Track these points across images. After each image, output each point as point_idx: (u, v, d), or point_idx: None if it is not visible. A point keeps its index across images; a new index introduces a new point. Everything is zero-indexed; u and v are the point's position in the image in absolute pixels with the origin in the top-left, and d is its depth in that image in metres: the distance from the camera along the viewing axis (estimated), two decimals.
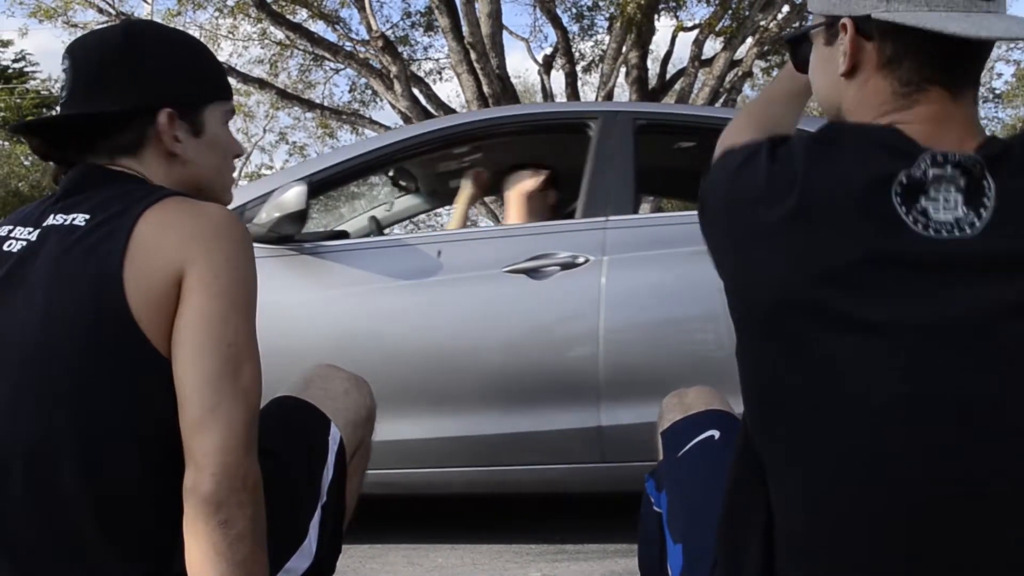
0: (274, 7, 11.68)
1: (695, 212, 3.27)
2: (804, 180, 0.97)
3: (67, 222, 1.22)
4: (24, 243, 1.23)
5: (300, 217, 2.69)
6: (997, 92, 20.41)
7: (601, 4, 13.54)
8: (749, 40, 11.57)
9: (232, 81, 1.40)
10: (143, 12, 14.09)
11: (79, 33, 12.16)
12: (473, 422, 2.74)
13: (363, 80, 13.56)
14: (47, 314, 1.17)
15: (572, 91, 12.35)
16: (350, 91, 15.16)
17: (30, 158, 17.94)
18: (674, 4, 12.75)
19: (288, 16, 12.05)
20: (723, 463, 1.16)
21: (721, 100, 11.59)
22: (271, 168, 20.90)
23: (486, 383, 2.76)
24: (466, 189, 3.58)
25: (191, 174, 1.34)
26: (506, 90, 10.50)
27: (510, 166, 3.47)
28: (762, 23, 11.38)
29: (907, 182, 0.94)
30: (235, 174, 1.50)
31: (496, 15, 10.64)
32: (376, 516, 2.45)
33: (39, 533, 1.17)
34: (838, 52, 1.06)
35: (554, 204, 3.45)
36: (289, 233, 2.75)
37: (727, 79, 11.71)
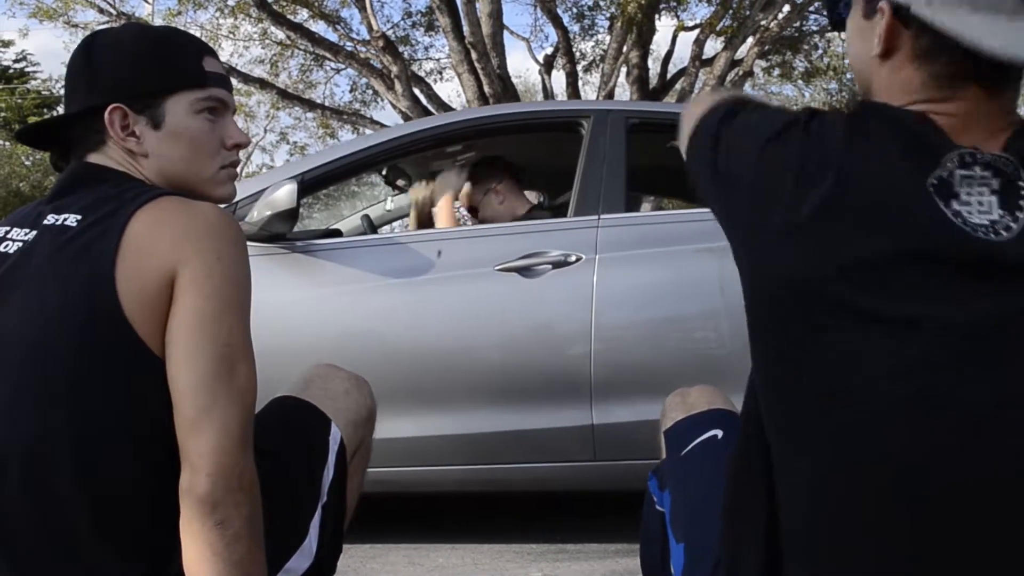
0: (275, 7, 11.69)
1: (688, 211, 3.25)
2: (840, 165, 0.94)
3: (59, 222, 1.22)
4: (21, 244, 1.23)
5: (291, 215, 2.68)
6: None
7: (602, 4, 13.53)
8: (750, 40, 11.57)
9: (233, 81, 1.38)
10: (144, 12, 14.14)
11: (80, 33, 12.20)
12: (465, 420, 2.74)
13: (364, 80, 13.57)
14: (41, 315, 1.17)
15: (573, 91, 12.35)
16: (351, 91, 15.19)
17: (31, 158, 17.97)
18: (675, 4, 12.74)
19: (289, 16, 12.07)
20: (726, 463, 1.16)
21: None
22: (272, 168, 20.93)
23: (477, 382, 2.76)
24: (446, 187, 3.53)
25: (159, 167, 1.32)
26: (507, 90, 10.51)
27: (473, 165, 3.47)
28: (763, 23, 11.38)
29: (938, 183, 0.92)
30: (238, 168, 1.47)
31: (497, 15, 10.65)
32: (377, 516, 2.46)
33: (37, 533, 1.17)
34: (874, 30, 1.01)
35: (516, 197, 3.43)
36: (280, 231, 2.75)
37: (728, 79, 11.70)
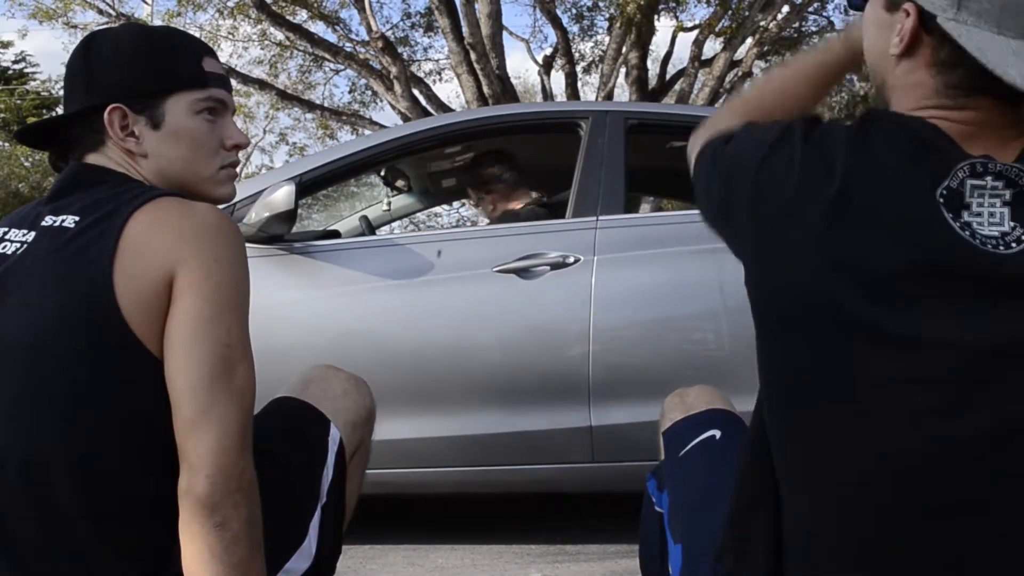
0: (274, 8, 11.69)
1: (687, 212, 3.25)
2: (844, 173, 0.92)
3: (57, 223, 1.22)
4: (19, 245, 1.23)
5: (289, 217, 2.69)
6: None
7: (601, 4, 13.56)
8: (749, 40, 11.58)
9: (232, 82, 1.37)
10: (143, 13, 14.13)
11: (79, 34, 12.20)
12: (463, 421, 2.74)
13: (363, 81, 13.57)
14: (40, 316, 1.17)
15: (572, 92, 12.35)
16: (350, 92, 15.20)
17: (30, 159, 17.97)
18: (674, 4, 12.76)
19: (288, 17, 12.07)
20: (724, 463, 1.15)
21: (721, 100, 11.58)
22: (271, 169, 20.93)
23: (475, 383, 2.75)
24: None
25: (159, 167, 1.32)
26: (506, 91, 10.50)
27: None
28: (762, 23, 11.39)
29: (948, 194, 0.90)
30: (238, 168, 1.47)
31: (496, 16, 10.64)
32: (376, 517, 2.45)
33: (37, 534, 1.17)
34: (894, 27, 1.00)
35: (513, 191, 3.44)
36: (279, 233, 2.75)
37: (727, 79, 11.71)
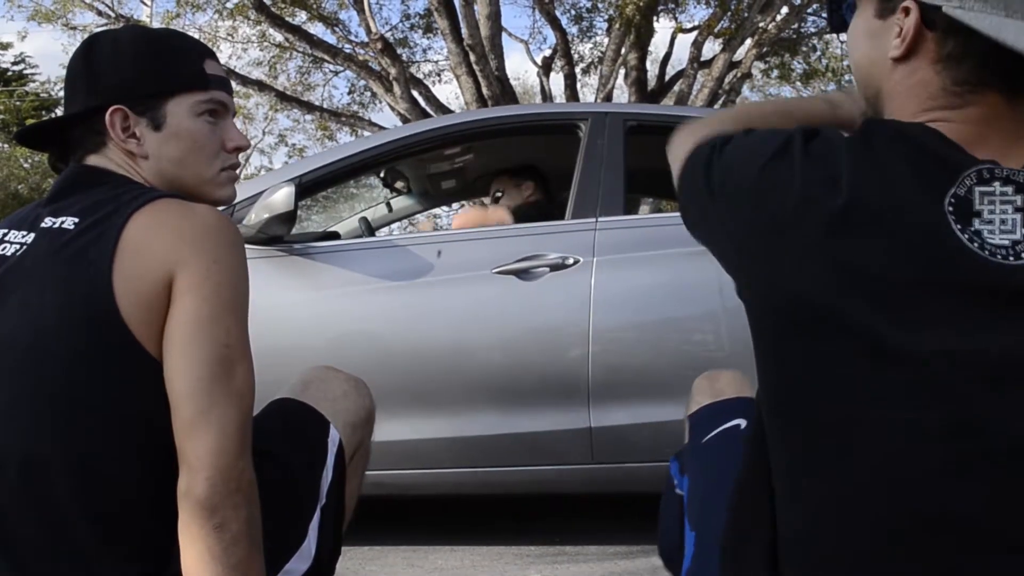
0: (273, 9, 11.69)
1: None
2: (848, 185, 0.90)
3: (56, 225, 1.22)
4: (19, 246, 1.23)
5: (289, 218, 2.69)
6: None
7: (600, 6, 13.55)
8: (748, 41, 11.58)
9: (231, 83, 1.37)
10: (142, 14, 14.13)
11: (78, 35, 12.20)
12: (463, 423, 2.74)
13: (362, 82, 13.57)
14: (39, 317, 1.17)
15: (571, 93, 12.35)
16: (349, 93, 15.20)
17: (29, 160, 17.96)
18: (673, 5, 12.76)
19: (287, 18, 12.06)
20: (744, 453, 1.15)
21: (720, 101, 11.59)
22: (270, 170, 20.92)
23: (475, 384, 2.76)
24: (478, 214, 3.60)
25: (159, 169, 1.33)
26: (505, 92, 10.50)
27: (495, 172, 3.49)
28: (761, 24, 11.39)
29: (956, 202, 0.87)
30: (238, 170, 1.47)
31: (495, 17, 10.65)
32: (376, 518, 2.46)
33: (36, 534, 1.17)
34: (891, 31, 0.97)
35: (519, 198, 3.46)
36: (278, 234, 2.75)
37: (726, 80, 11.72)
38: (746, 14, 10.99)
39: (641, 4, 10.29)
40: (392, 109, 11.51)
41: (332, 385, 1.54)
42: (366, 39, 11.35)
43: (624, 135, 3.01)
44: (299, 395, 1.50)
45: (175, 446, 1.15)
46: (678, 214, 3.30)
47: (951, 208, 0.87)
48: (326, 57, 12.48)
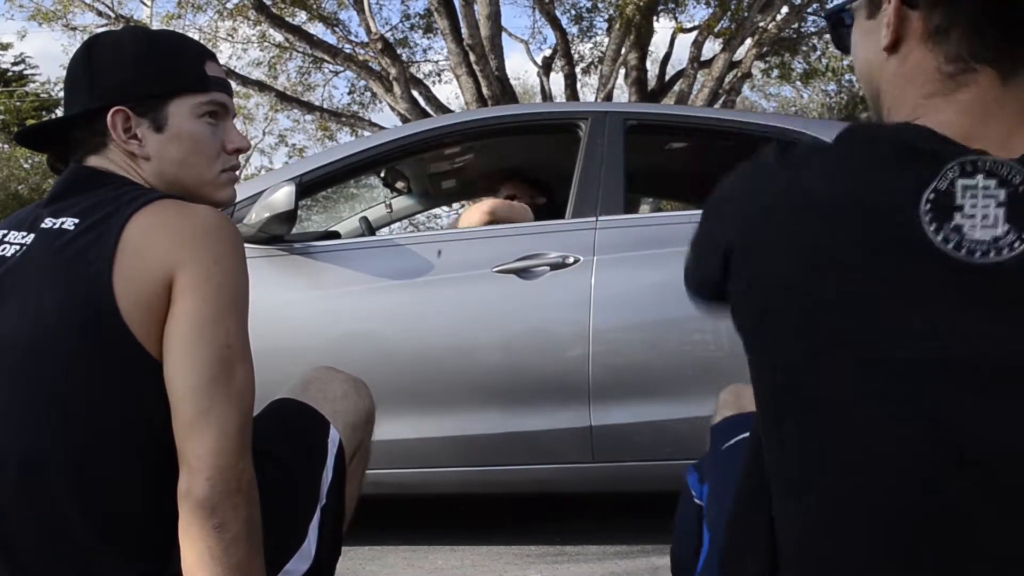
0: (273, 9, 11.69)
1: (686, 213, 3.26)
2: (823, 193, 0.89)
3: (56, 226, 1.22)
4: (18, 247, 1.23)
5: (289, 217, 2.69)
6: None
7: (600, 6, 13.55)
8: (748, 41, 11.57)
9: (231, 83, 1.37)
10: (142, 15, 14.13)
11: (78, 36, 12.20)
12: (463, 422, 2.74)
13: (362, 82, 13.57)
14: (39, 317, 1.17)
15: (571, 93, 12.35)
16: (349, 93, 15.22)
17: (29, 161, 17.97)
18: (673, 5, 12.76)
19: (287, 18, 12.06)
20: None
21: (720, 101, 11.59)
22: (271, 170, 20.91)
23: (475, 383, 2.76)
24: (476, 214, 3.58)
25: (160, 170, 1.33)
26: (505, 92, 10.51)
27: (499, 173, 3.48)
28: (761, 24, 11.38)
29: (936, 197, 0.85)
30: (238, 172, 1.47)
31: (495, 17, 10.65)
32: (376, 518, 2.46)
33: (36, 534, 1.17)
34: (881, 24, 0.96)
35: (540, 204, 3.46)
36: (279, 233, 2.75)
37: (726, 80, 11.71)
38: (746, 14, 10.99)
39: (641, 4, 10.30)
40: (392, 109, 11.51)
41: (332, 385, 1.54)
42: (366, 39, 11.35)
43: (624, 135, 3.00)
44: (299, 395, 1.50)
45: (175, 446, 1.15)
46: (678, 213, 3.31)
47: (928, 205, 0.85)
48: (326, 57, 12.48)
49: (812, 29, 13.27)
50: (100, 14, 12.32)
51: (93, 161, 1.32)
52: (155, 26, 10.89)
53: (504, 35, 11.83)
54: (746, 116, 3.27)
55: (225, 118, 1.39)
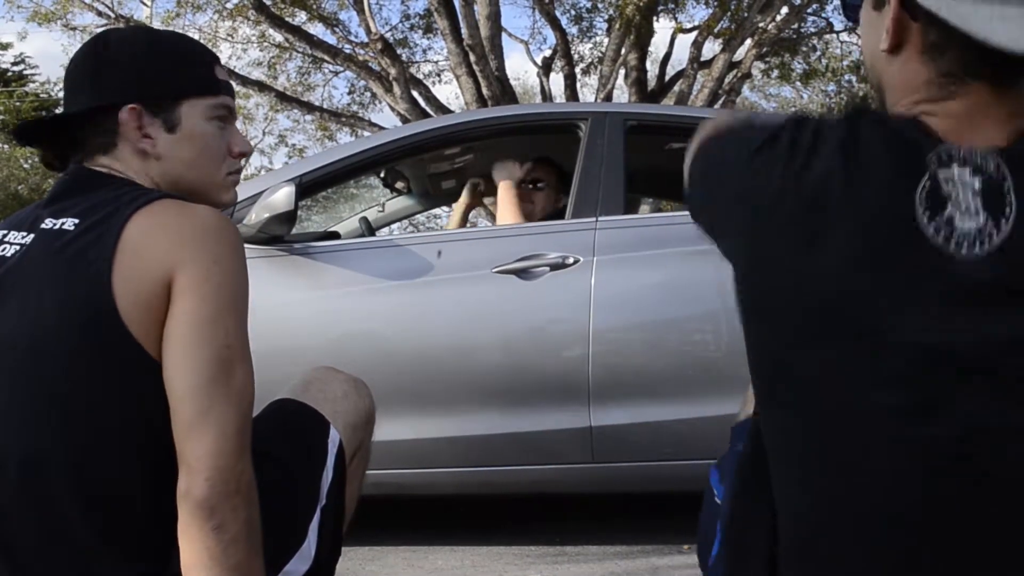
0: (273, 10, 11.68)
1: (685, 213, 3.25)
2: (825, 181, 0.90)
3: (57, 226, 1.22)
4: (18, 247, 1.24)
5: (289, 218, 2.69)
6: None
7: (600, 6, 13.55)
8: (748, 42, 11.58)
9: (214, 71, 1.38)
10: (142, 15, 14.12)
11: (78, 36, 12.21)
12: (463, 422, 2.74)
13: (362, 82, 13.56)
14: (39, 317, 1.17)
15: (571, 93, 12.35)
16: (349, 93, 15.20)
17: (29, 161, 17.97)
18: (673, 6, 12.76)
19: (287, 18, 12.06)
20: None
21: (720, 101, 11.59)
22: (270, 171, 20.88)
23: (475, 384, 2.76)
24: (463, 199, 3.60)
25: (169, 170, 1.33)
26: (505, 92, 10.50)
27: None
28: (761, 25, 11.38)
29: (930, 187, 0.87)
30: (240, 174, 1.49)
31: (495, 17, 10.64)
32: (376, 518, 2.46)
33: (36, 534, 1.17)
34: (883, 22, 0.97)
35: (555, 200, 3.43)
36: (278, 234, 2.75)
37: (726, 80, 11.72)
38: (746, 14, 10.99)
39: (641, 4, 10.29)
40: (392, 109, 11.51)
41: (332, 386, 1.54)
42: (366, 39, 11.34)
43: (624, 135, 3.00)
44: (299, 396, 1.50)
45: (175, 446, 1.15)
46: (678, 214, 3.30)
47: (924, 195, 0.87)
48: (326, 57, 12.48)
49: (812, 30, 13.28)
50: (100, 14, 12.32)
51: (101, 160, 1.31)
52: (155, 26, 10.88)
53: (504, 35, 11.84)
54: None
55: (231, 121, 1.40)
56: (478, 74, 10.03)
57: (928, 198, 0.86)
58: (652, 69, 12.87)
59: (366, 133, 12.26)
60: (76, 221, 1.21)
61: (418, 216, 4.72)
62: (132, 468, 1.18)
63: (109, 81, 1.31)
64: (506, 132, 3.26)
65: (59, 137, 1.36)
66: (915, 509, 0.87)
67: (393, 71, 10.54)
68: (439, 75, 14.95)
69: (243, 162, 1.52)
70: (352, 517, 1.59)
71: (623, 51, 11.39)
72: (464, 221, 3.67)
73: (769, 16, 11.33)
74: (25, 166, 18.28)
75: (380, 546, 2.85)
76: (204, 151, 1.36)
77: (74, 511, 1.16)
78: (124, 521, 1.18)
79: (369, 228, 3.51)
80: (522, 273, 2.77)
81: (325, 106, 14.43)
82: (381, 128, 12.10)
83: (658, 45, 13.74)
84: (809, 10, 12.25)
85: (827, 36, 13.79)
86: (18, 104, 19.32)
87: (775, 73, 14.69)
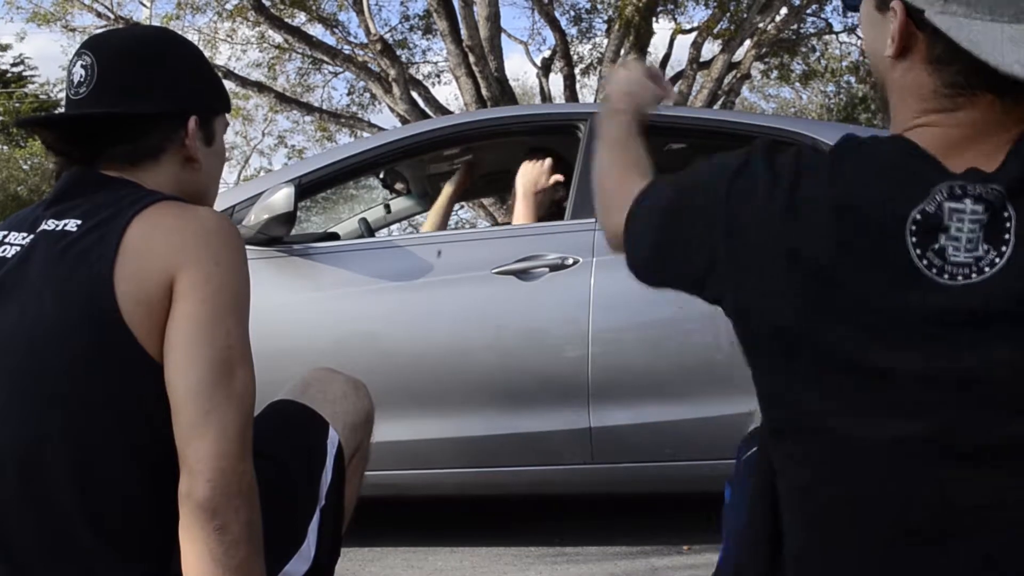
0: (272, 11, 11.68)
1: None
2: (811, 209, 0.89)
3: (59, 227, 1.22)
4: (19, 248, 1.24)
5: (289, 219, 2.69)
6: None
7: (599, 7, 13.56)
8: (747, 42, 11.59)
9: (231, 85, 1.43)
10: (142, 16, 14.12)
11: (78, 37, 12.19)
12: (462, 423, 2.74)
13: (362, 83, 13.57)
14: (41, 318, 1.18)
15: (571, 94, 12.35)
16: (348, 94, 15.19)
17: (29, 162, 17.97)
18: (672, 6, 12.76)
19: (286, 19, 12.06)
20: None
21: (719, 102, 11.60)
22: (270, 171, 20.86)
23: (475, 384, 2.76)
24: (450, 184, 3.57)
25: (199, 181, 1.36)
26: (505, 93, 10.50)
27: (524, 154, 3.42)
28: (760, 25, 11.39)
29: (922, 218, 0.86)
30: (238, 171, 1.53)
31: (494, 18, 10.64)
32: (375, 519, 2.46)
33: (35, 535, 1.18)
34: (887, 26, 0.95)
35: (560, 199, 3.43)
36: (278, 235, 2.75)
37: (725, 81, 11.72)
38: (745, 15, 10.99)
39: (640, 5, 10.30)
40: (391, 110, 11.52)
41: (331, 387, 1.55)
42: (365, 40, 11.35)
43: None
44: (298, 397, 1.51)
45: (175, 447, 1.15)
46: None
47: (915, 226, 0.86)
48: (325, 58, 12.48)
49: (811, 30, 13.29)
50: (99, 15, 12.32)
51: (144, 165, 1.30)
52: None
53: (503, 36, 11.86)
54: (745, 117, 3.26)
55: None
56: (477, 75, 10.03)
57: (919, 229, 0.86)
58: None
59: (365, 134, 12.25)
60: (79, 222, 1.22)
61: (418, 217, 4.71)
62: (133, 468, 1.19)
63: (180, 87, 1.32)
64: (505, 133, 3.26)
65: (89, 128, 1.32)
66: (918, 534, 0.87)
67: (392, 72, 10.54)
68: (438, 76, 14.97)
69: (240, 159, 1.58)
70: (351, 517, 1.59)
71: (622, 52, 11.39)
72: (447, 213, 3.59)
73: (768, 17, 11.34)
74: (24, 167, 18.29)
75: (380, 547, 2.85)
76: (221, 163, 1.43)
77: (75, 511, 1.16)
78: (125, 521, 1.18)
79: (369, 229, 3.51)
80: (522, 274, 2.77)
81: (324, 107, 14.44)
82: (380, 129, 12.09)
83: (657, 46, 13.76)
84: (808, 11, 12.26)
85: (826, 37, 13.81)
86: (17, 105, 19.33)
87: (774, 74, 14.72)
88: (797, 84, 15.53)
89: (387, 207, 4.21)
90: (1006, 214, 0.84)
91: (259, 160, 21.80)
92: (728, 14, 11.27)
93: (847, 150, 0.94)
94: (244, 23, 12.79)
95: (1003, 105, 0.90)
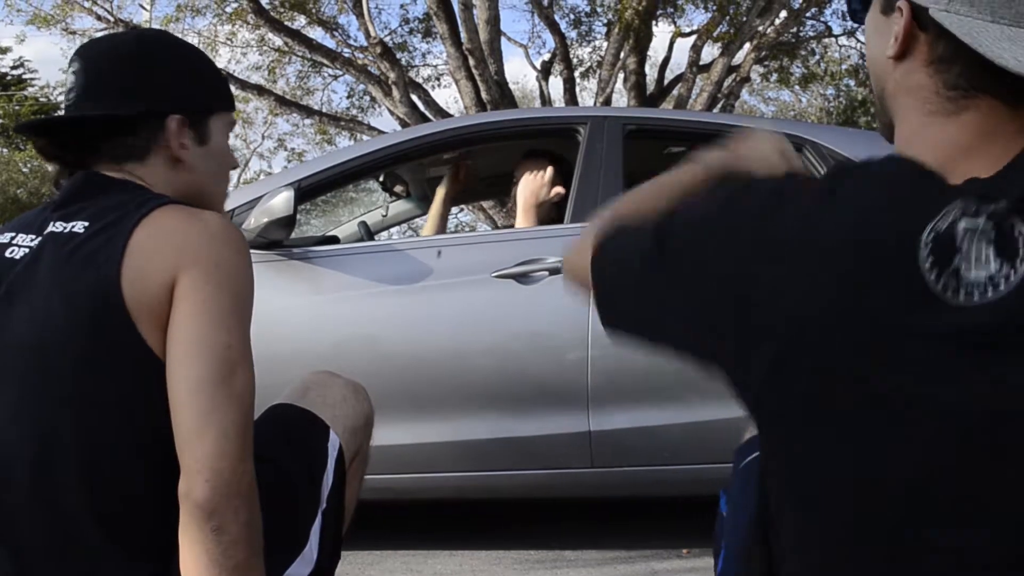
0: (272, 13, 11.70)
1: None
2: (823, 233, 0.88)
3: (67, 229, 1.23)
4: (26, 250, 1.24)
5: (288, 222, 2.69)
6: None
7: (599, 10, 13.58)
8: (747, 46, 11.60)
9: (231, 88, 1.42)
10: (141, 19, 14.13)
11: (78, 40, 12.19)
12: (462, 427, 2.74)
13: (361, 86, 13.58)
14: (48, 319, 1.18)
15: (570, 97, 12.36)
16: (348, 97, 15.20)
17: (29, 165, 17.98)
18: (672, 10, 12.78)
19: (286, 23, 12.07)
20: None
21: (719, 105, 11.61)
22: (270, 175, 20.87)
23: (475, 388, 2.76)
24: (442, 187, 3.55)
25: (193, 181, 1.36)
26: (504, 96, 10.51)
27: (522, 155, 3.41)
28: (760, 29, 11.40)
29: (937, 237, 0.84)
30: (229, 187, 1.51)
31: (494, 21, 10.65)
32: (375, 523, 2.46)
33: (44, 534, 1.18)
34: (891, 28, 0.94)
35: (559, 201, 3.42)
36: (277, 238, 2.75)
37: (725, 84, 11.73)
38: (745, 18, 11.01)
39: (640, 8, 10.31)
40: (391, 113, 11.52)
41: (331, 390, 1.55)
42: (365, 43, 11.35)
43: (623, 139, 3.01)
44: (298, 400, 1.51)
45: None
46: None
47: (928, 248, 0.84)
48: (325, 61, 12.49)
49: (811, 33, 13.31)
50: (99, 18, 12.33)
51: (126, 164, 1.31)
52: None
53: (503, 39, 11.85)
54: (745, 120, 3.27)
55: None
56: (477, 78, 10.04)
57: (934, 249, 0.84)
58: (651, 73, 12.90)
59: (365, 137, 12.26)
60: (86, 224, 1.23)
61: (418, 221, 4.71)
62: (139, 468, 1.19)
63: (158, 87, 1.32)
64: (505, 136, 3.27)
65: (74, 133, 1.34)
66: (922, 560, 0.85)
67: (392, 75, 10.54)
68: (438, 79, 14.99)
69: (241, 160, 1.57)
70: (351, 521, 1.59)
71: (622, 55, 11.41)
72: (444, 216, 3.56)
73: (768, 20, 11.35)
74: (24, 170, 18.29)
75: (380, 551, 2.85)
76: (224, 165, 1.42)
77: (83, 512, 1.17)
78: (131, 520, 1.19)
79: (368, 232, 3.51)
80: (521, 278, 2.78)
81: (324, 110, 14.45)
82: (380, 132, 12.09)
83: (657, 49, 13.72)
84: (808, 14, 12.27)
85: (826, 40, 13.83)
86: (17, 108, 19.34)
87: (774, 77, 14.72)
88: (796, 87, 15.54)
89: (385, 210, 4.21)
90: (1016, 228, 0.83)
91: (259, 163, 21.85)
92: (728, 17, 11.28)
93: (846, 175, 0.92)
94: (244, 26, 12.79)
95: (1005, 109, 0.89)
